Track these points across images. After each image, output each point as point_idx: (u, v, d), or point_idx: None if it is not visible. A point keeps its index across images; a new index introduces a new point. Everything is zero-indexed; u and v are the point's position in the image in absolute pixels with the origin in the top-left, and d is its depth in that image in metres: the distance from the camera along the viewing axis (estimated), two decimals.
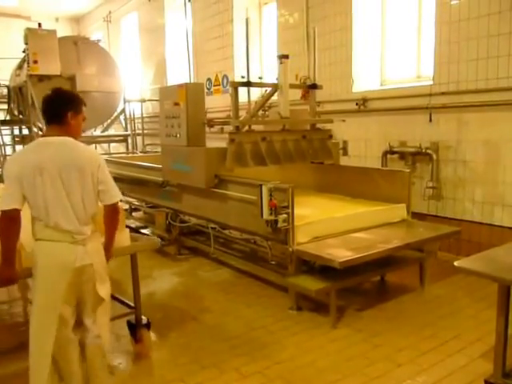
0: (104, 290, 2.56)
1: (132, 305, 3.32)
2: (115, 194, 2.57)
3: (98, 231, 2.59)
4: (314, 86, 5.02)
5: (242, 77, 4.59)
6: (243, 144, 4.44)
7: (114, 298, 3.13)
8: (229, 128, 4.81)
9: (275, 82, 4.69)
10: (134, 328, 3.31)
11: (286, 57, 4.61)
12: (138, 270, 3.27)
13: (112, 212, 2.60)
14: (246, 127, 4.60)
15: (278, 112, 4.70)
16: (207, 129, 5.06)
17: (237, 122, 4.51)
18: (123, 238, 3.11)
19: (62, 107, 2.53)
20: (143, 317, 3.33)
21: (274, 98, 4.85)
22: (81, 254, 2.42)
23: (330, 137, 5.09)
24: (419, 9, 5.74)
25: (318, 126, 5.16)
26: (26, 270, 2.51)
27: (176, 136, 4.89)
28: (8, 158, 2.69)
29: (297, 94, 5.87)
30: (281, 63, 4.59)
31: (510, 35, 4.53)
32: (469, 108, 4.93)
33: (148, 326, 3.34)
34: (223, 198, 4.44)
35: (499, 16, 4.59)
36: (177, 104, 4.83)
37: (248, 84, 4.60)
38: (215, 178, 4.47)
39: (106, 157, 8.71)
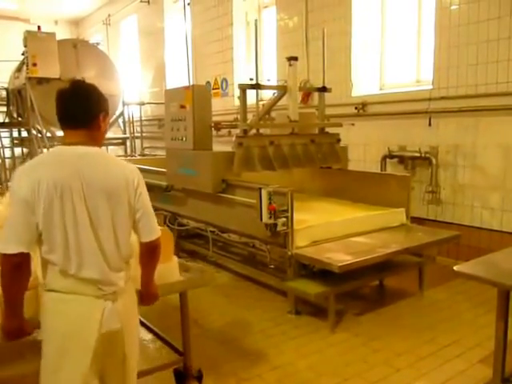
0: (133, 365, 1.94)
1: (180, 350, 2.74)
2: (155, 227, 1.94)
3: (132, 280, 1.94)
4: (323, 89, 4.95)
5: (251, 79, 4.48)
6: (251, 148, 4.38)
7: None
8: (233, 131, 4.80)
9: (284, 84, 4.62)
10: (183, 379, 2.76)
11: (296, 59, 4.54)
12: (188, 310, 2.65)
13: (151, 251, 1.96)
14: (254, 131, 4.51)
15: (286, 115, 4.64)
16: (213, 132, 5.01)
17: (245, 126, 4.42)
18: (170, 269, 2.49)
19: (94, 106, 1.87)
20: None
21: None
22: (109, 313, 1.77)
23: (339, 141, 5.02)
24: (419, 13, 5.76)
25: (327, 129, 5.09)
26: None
27: (182, 139, 4.80)
28: (20, 169, 1.74)
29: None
30: (290, 65, 4.52)
31: (509, 40, 4.55)
32: (468, 112, 4.94)
33: (200, 378, 2.81)
34: (229, 203, 4.35)
35: (498, 21, 4.61)
36: (183, 106, 4.74)
37: (257, 86, 4.48)
38: (222, 182, 4.38)
39: None
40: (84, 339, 1.73)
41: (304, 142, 4.75)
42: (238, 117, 4.85)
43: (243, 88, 4.48)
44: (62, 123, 1.85)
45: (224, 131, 5.86)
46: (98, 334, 1.73)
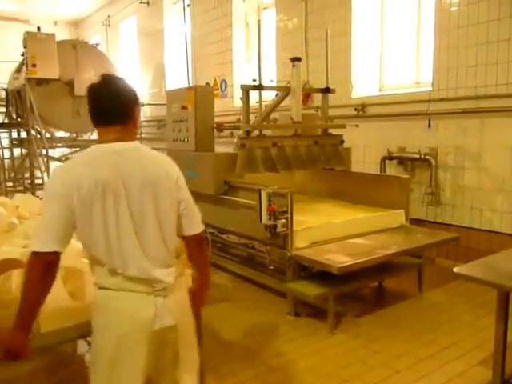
0: (191, 362, 1.87)
1: None
2: (199, 220, 1.89)
3: (183, 274, 1.87)
4: (326, 90, 4.92)
5: (254, 80, 4.46)
6: (253, 149, 4.33)
7: None
8: (235, 132, 4.77)
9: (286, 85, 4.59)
10: None
11: (299, 59, 4.52)
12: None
13: (198, 245, 1.92)
14: (257, 132, 4.48)
15: (289, 116, 4.60)
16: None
17: (248, 127, 4.38)
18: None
19: (128, 100, 1.77)
20: None
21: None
22: (161, 310, 1.69)
23: (342, 142, 4.99)
24: (419, 15, 5.76)
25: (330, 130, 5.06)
26: (44, 336, 1.83)
27: (184, 140, 4.78)
28: (58, 168, 1.75)
29: None
30: (293, 66, 4.48)
31: (509, 42, 4.55)
32: (468, 114, 4.94)
33: None
34: (230, 205, 4.33)
35: (498, 23, 4.61)
36: (185, 107, 4.71)
37: (260, 87, 4.44)
38: (225, 184, 4.35)
39: None
40: (137, 336, 1.66)
41: (307, 144, 4.72)
42: (241, 118, 4.82)
43: (246, 89, 4.44)
44: (96, 121, 1.76)
45: (226, 132, 5.84)
46: (150, 330, 1.67)
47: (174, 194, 1.79)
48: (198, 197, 4.01)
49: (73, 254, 2.06)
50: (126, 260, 1.66)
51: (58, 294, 1.82)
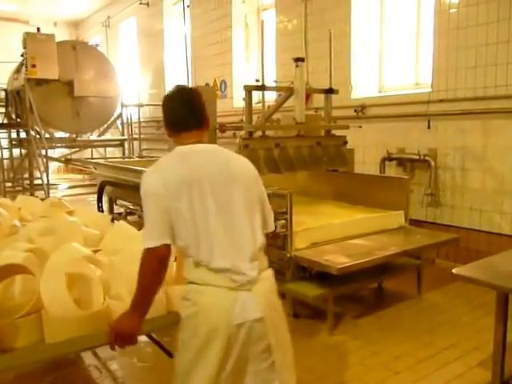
0: (287, 358, 1.89)
1: None
2: (273, 219, 2.02)
3: (270, 269, 1.89)
4: (330, 91, 4.87)
5: (257, 80, 4.42)
6: (256, 150, 4.27)
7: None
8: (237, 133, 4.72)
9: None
10: None
11: (302, 60, 4.46)
12: None
13: (271, 239, 2.07)
14: (259, 133, 4.43)
15: (292, 117, 4.56)
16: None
17: (251, 127, 4.32)
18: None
19: (204, 109, 1.97)
20: None
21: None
22: (243, 304, 1.71)
23: (345, 143, 4.91)
24: (418, 16, 5.77)
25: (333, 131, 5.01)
26: (49, 348, 1.77)
27: None
28: (147, 171, 1.83)
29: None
30: (297, 66, 4.42)
31: (508, 43, 4.56)
32: (467, 115, 4.94)
33: None
34: None
35: (498, 24, 4.62)
36: None
37: (263, 88, 4.38)
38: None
39: (102, 161, 8.75)
40: (218, 329, 1.69)
41: (310, 145, 4.66)
42: (243, 118, 4.78)
43: (249, 89, 4.38)
44: (177, 127, 1.91)
45: (228, 133, 5.81)
46: (235, 323, 1.70)
47: (257, 189, 1.91)
48: None
49: (79, 260, 2.00)
50: (213, 251, 1.72)
51: (62, 303, 1.76)
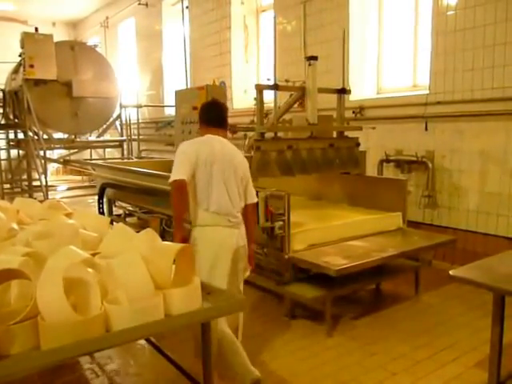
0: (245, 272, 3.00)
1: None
2: (255, 195, 3.02)
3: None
4: (343, 91, 4.75)
5: (268, 79, 4.30)
6: (268, 152, 4.13)
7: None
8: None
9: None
10: None
11: (315, 58, 4.30)
12: (211, 343, 2.29)
13: (253, 210, 3.04)
14: (271, 134, 4.30)
15: (304, 118, 4.43)
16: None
17: (263, 129, 4.18)
18: (191, 294, 2.08)
19: (227, 116, 3.05)
20: None
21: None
22: (237, 236, 2.80)
23: (358, 145, 4.79)
24: (416, 18, 5.80)
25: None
26: (45, 354, 1.76)
27: None
28: (185, 142, 2.96)
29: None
30: (309, 65, 4.27)
31: (505, 46, 4.58)
32: (464, 117, 4.97)
33: None
34: None
35: (494, 27, 4.65)
36: (195, 108, 4.48)
37: (275, 87, 4.23)
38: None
39: (100, 162, 8.74)
40: (226, 252, 2.73)
41: (322, 147, 4.53)
42: (254, 119, 4.66)
43: (260, 88, 4.23)
44: (209, 124, 2.95)
45: (239, 134, 5.72)
46: (233, 248, 2.76)
47: (243, 172, 2.89)
48: None
49: (77, 264, 1.96)
50: (219, 203, 2.74)
51: (59, 308, 1.74)
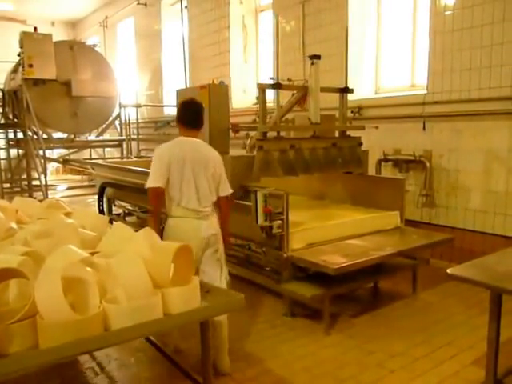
0: (220, 259, 3.17)
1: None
2: (228, 187, 3.20)
3: (215, 214, 3.16)
4: (345, 90, 4.72)
5: (271, 78, 4.24)
6: (271, 152, 4.09)
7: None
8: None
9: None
10: None
11: (318, 57, 4.26)
12: (209, 342, 2.34)
13: (225, 204, 3.22)
14: (273, 133, 4.24)
15: (307, 117, 4.38)
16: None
17: (265, 128, 4.14)
18: (190, 293, 2.13)
19: (202, 116, 3.20)
20: None
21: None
22: (205, 226, 3.05)
23: (360, 144, 4.77)
24: (414, 19, 5.81)
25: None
26: (43, 353, 1.79)
27: None
28: (160, 146, 3.19)
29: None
30: (312, 64, 4.23)
31: (502, 46, 4.60)
32: (462, 117, 4.99)
33: None
34: (244, 209, 4.00)
35: (492, 27, 4.66)
36: None
37: (277, 86, 4.18)
38: (240, 188, 4.02)
39: (100, 161, 8.75)
40: (193, 240, 2.85)
41: (325, 146, 4.49)
42: (257, 119, 4.69)
43: (263, 87, 4.18)
44: (184, 124, 3.14)
45: (242, 133, 5.56)
46: (200, 236, 3.01)
47: (214, 168, 3.09)
48: None
49: (75, 263, 1.96)
50: (188, 199, 3.01)
51: (57, 307, 1.75)
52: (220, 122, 4.46)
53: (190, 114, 3.15)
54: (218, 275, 3.10)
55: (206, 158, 3.08)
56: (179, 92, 5.01)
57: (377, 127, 5.54)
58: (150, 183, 2.97)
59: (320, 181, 5.34)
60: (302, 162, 4.32)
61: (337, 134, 4.90)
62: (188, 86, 9.20)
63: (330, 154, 4.54)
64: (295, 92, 4.64)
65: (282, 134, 4.46)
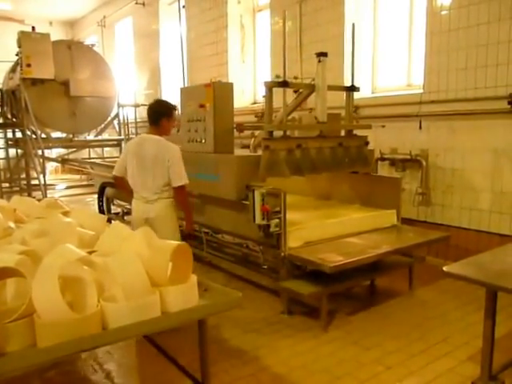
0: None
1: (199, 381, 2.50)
2: (179, 179, 3.56)
3: (169, 199, 3.66)
4: (352, 88, 4.63)
5: (277, 76, 4.14)
6: (277, 151, 3.99)
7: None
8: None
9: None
10: None
11: (325, 54, 4.18)
12: (207, 340, 2.36)
13: (177, 193, 3.62)
14: (280, 133, 4.16)
15: (314, 116, 4.31)
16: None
17: (272, 127, 4.05)
18: (188, 291, 2.15)
19: (159, 115, 3.64)
20: None
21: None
22: (149, 209, 3.59)
23: (367, 143, 4.69)
24: (410, 18, 5.83)
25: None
26: (41, 352, 1.79)
27: (200, 141, 4.41)
28: (129, 142, 3.87)
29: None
30: (319, 61, 4.14)
31: (498, 45, 4.63)
32: (458, 116, 5.02)
33: None
34: (243, 208, 4.01)
35: (488, 26, 4.69)
36: (202, 106, 4.34)
37: (284, 84, 4.07)
38: (246, 189, 3.94)
39: (99, 161, 8.76)
40: (138, 220, 3.61)
41: (332, 145, 4.41)
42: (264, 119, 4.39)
43: (269, 86, 4.07)
44: (148, 121, 3.71)
45: (246, 133, 5.51)
46: (144, 217, 3.58)
47: (162, 162, 3.55)
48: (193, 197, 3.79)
49: (73, 262, 1.97)
50: (138, 187, 3.64)
51: (55, 306, 1.76)
52: (224, 122, 4.36)
53: (149, 112, 3.67)
54: None
55: (161, 152, 3.53)
56: (182, 90, 4.90)
57: (383, 126, 5.52)
58: (114, 171, 3.79)
59: (316, 181, 5.31)
60: (308, 162, 4.22)
61: (342, 133, 4.82)
62: (186, 85, 9.21)
63: (336, 153, 4.46)
64: (301, 90, 4.52)
65: (289, 133, 4.37)
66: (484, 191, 4.92)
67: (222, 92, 4.35)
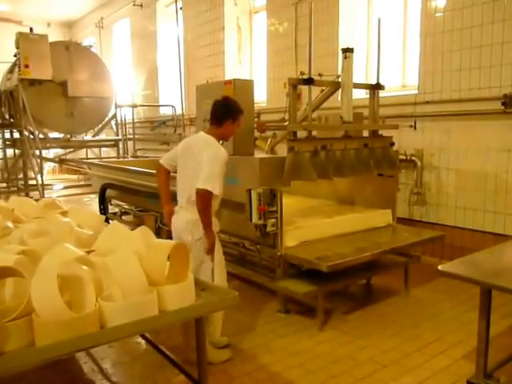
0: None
1: (196, 378, 2.44)
2: (201, 182, 2.96)
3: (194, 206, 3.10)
4: (377, 86, 4.44)
5: (302, 73, 3.92)
6: (302, 153, 3.75)
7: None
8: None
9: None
10: None
11: (351, 50, 3.98)
12: (204, 338, 2.34)
13: (197, 195, 2.99)
14: (304, 133, 3.92)
15: (339, 115, 4.13)
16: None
17: (296, 127, 3.81)
18: (185, 290, 2.15)
19: (219, 112, 3.17)
20: None
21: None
22: (180, 216, 3.17)
23: (392, 144, 4.47)
24: (405, 20, 5.88)
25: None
26: (39, 351, 1.78)
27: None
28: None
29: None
30: (345, 58, 3.95)
31: (491, 47, 4.68)
32: (452, 117, 5.06)
33: None
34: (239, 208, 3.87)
35: (481, 28, 4.74)
36: None
37: (310, 81, 3.84)
38: (270, 193, 3.66)
39: (96, 161, 8.76)
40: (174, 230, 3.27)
41: (357, 146, 4.19)
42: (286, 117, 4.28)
43: (293, 83, 3.82)
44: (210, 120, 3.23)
45: (268, 133, 5.23)
46: (175, 228, 3.24)
47: (199, 163, 3.01)
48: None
49: (71, 262, 1.97)
50: (178, 188, 3.24)
51: (53, 305, 1.76)
52: (245, 121, 4.01)
53: (213, 111, 3.19)
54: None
55: (196, 149, 3.10)
56: (198, 87, 4.63)
57: (411, 126, 5.42)
58: (161, 161, 3.32)
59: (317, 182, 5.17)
60: (334, 164, 3.98)
61: (366, 133, 4.65)
62: (183, 86, 9.23)
63: (361, 155, 4.20)
64: (324, 88, 4.33)
65: (314, 133, 4.12)
66: (478, 191, 4.96)
67: (242, 90, 4.08)
